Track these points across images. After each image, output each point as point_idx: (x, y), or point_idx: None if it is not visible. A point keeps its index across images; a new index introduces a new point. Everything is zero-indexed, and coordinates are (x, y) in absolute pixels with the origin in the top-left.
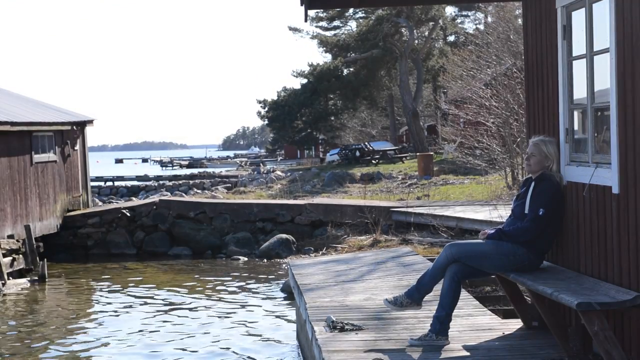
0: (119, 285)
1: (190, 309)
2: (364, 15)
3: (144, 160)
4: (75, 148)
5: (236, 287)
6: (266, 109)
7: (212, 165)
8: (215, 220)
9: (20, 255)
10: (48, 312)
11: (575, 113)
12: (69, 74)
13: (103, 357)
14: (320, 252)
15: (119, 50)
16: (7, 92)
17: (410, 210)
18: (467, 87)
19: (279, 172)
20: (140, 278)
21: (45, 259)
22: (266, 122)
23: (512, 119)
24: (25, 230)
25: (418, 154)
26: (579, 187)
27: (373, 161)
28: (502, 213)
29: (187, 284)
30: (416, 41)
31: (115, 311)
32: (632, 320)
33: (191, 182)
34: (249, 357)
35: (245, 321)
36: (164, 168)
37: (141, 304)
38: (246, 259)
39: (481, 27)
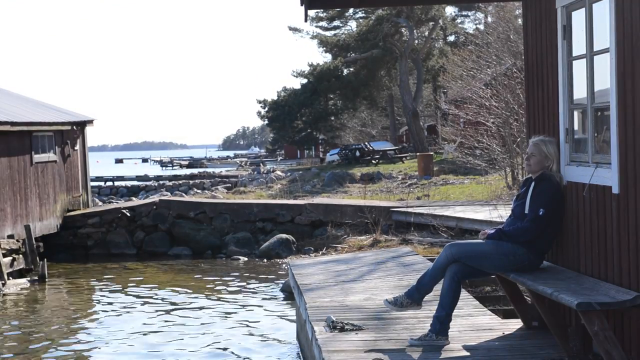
0: (119, 285)
1: (190, 309)
2: (364, 15)
3: (144, 160)
4: (75, 148)
5: (236, 287)
6: (266, 109)
7: (212, 165)
8: (215, 220)
9: (20, 255)
10: (48, 312)
11: (575, 113)
12: (69, 74)
13: (103, 357)
14: (320, 252)
15: (119, 50)
16: (7, 92)
17: (410, 210)
18: (467, 87)
19: (279, 172)
20: (140, 278)
21: (45, 259)
22: (266, 122)
23: (512, 119)
24: (25, 230)
25: (418, 154)
26: (579, 187)
27: (373, 161)
28: (502, 213)
29: (187, 284)
30: (416, 41)
31: (116, 311)
32: (632, 320)
33: (191, 182)
34: (249, 357)
35: (246, 321)
36: (164, 168)
37: (141, 304)
38: (246, 259)
39: (481, 27)
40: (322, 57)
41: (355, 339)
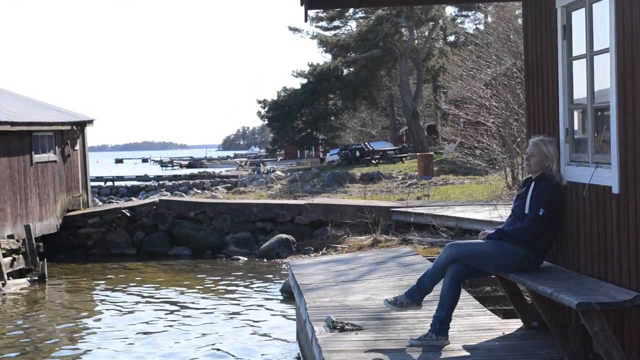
0: (119, 285)
1: (190, 309)
2: (364, 15)
3: (144, 160)
4: (75, 148)
5: (236, 287)
6: (266, 109)
7: (212, 165)
8: (215, 220)
9: (20, 255)
10: (48, 312)
11: (575, 113)
12: (69, 74)
13: (104, 357)
14: (320, 252)
15: (119, 50)
16: (7, 92)
17: (410, 210)
18: (467, 87)
19: (279, 172)
20: (140, 278)
21: (45, 259)
22: (266, 122)
23: (512, 119)
24: (25, 230)
25: (418, 154)
26: (579, 187)
27: (373, 161)
28: (502, 213)
29: (187, 284)
30: (416, 41)
31: (116, 311)
32: (632, 320)
33: (191, 182)
34: (249, 357)
35: (246, 321)
36: (164, 168)
37: (141, 304)
38: (246, 259)
39: (481, 27)
40: (322, 57)
41: (355, 339)
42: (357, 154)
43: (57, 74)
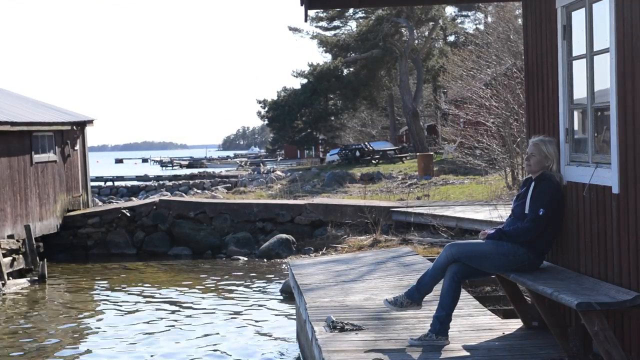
0: (119, 285)
1: (190, 309)
2: (364, 15)
3: (144, 160)
4: (75, 148)
5: (236, 287)
6: (266, 109)
7: (212, 165)
8: (215, 220)
9: (20, 255)
10: (48, 312)
11: (575, 113)
12: (69, 74)
13: (104, 357)
14: (320, 252)
15: (119, 50)
16: (7, 92)
17: (410, 210)
18: (467, 87)
19: (279, 172)
20: (141, 278)
21: (45, 259)
22: (266, 122)
23: (512, 119)
24: (25, 230)
25: (418, 154)
26: (579, 187)
27: (373, 161)
28: (502, 213)
29: (187, 284)
30: (416, 41)
31: (116, 311)
32: (632, 320)
33: (191, 182)
34: (249, 357)
35: (246, 321)
36: (164, 168)
37: (141, 304)
38: (246, 259)
39: (481, 27)
40: (322, 57)
41: (355, 339)
42: (357, 154)
43: (57, 74)
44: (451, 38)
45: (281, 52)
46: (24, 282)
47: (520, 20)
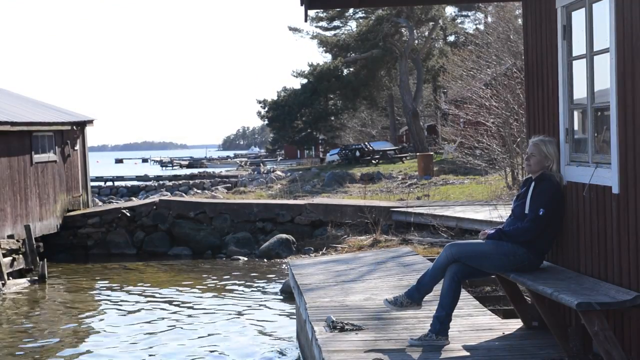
0: (119, 285)
1: (190, 309)
2: (364, 15)
3: (144, 160)
4: (75, 148)
5: (236, 287)
6: (266, 109)
7: (212, 165)
8: (215, 220)
9: (20, 255)
10: (48, 312)
11: (575, 113)
12: (69, 74)
13: (104, 356)
14: (320, 252)
15: (119, 50)
16: (7, 92)
17: (410, 210)
18: (467, 87)
19: (279, 172)
20: (141, 278)
21: (45, 259)
22: (266, 122)
23: (512, 119)
24: (25, 230)
25: (418, 154)
26: (579, 187)
27: (373, 161)
28: (502, 213)
29: (187, 284)
30: (416, 41)
31: (116, 311)
32: (632, 320)
33: (191, 182)
34: (248, 357)
35: (245, 321)
36: (164, 168)
37: (141, 304)
38: (246, 259)
39: (481, 27)
40: (322, 57)
41: (355, 339)
42: (357, 154)
43: (57, 74)
44: (451, 38)
45: (281, 52)
46: (24, 282)
47: (520, 20)
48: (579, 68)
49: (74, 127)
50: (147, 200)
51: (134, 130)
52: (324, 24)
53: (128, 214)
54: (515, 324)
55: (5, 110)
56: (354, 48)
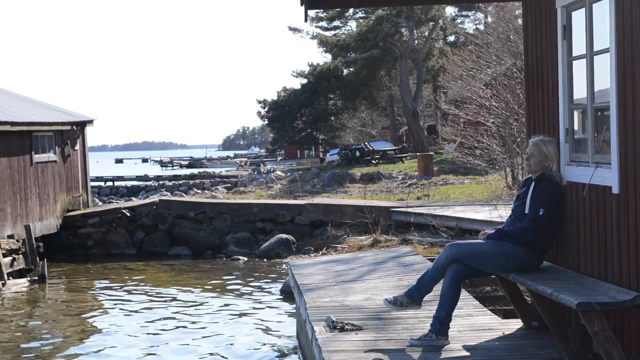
0: (119, 285)
1: (190, 309)
2: (364, 15)
3: (144, 160)
4: (75, 148)
5: (236, 287)
6: (266, 109)
7: (212, 165)
8: (215, 220)
9: (20, 255)
10: (48, 312)
11: (575, 113)
12: (69, 74)
13: (104, 356)
14: (320, 252)
15: (119, 50)
16: (7, 92)
17: (410, 210)
18: (467, 87)
19: (279, 172)
20: (141, 278)
21: (45, 259)
22: (266, 122)
23: (512, 119)
24: (25, 230)
25: (418, 154)
26: (579, 187)
27: (373, 161)
28: (502, 213)
29: (187, 284)
30: (416, 41)
31: (116, 311)
32: (632, 320)
33: (191, 182)
34: (248, 357)
35: (245, 321)
36: (164, 168)
37: (141, 304)
38: (246, 259)
39: (481, 27)
40: (322, 57)
41: (355, 339)
42: (357, 154)
43: (57, 74)
44: (451, 38)
45: (281, 52)
46: (24, 282)
47: (520, 20)
48: (579, 68)
49: (74, 127)
50: (147, 200)
51: (134, 130)
52: (324, 24)
53: (128, 214)
54: (515, 324)
55: (5, 110)
56: (354, 48)
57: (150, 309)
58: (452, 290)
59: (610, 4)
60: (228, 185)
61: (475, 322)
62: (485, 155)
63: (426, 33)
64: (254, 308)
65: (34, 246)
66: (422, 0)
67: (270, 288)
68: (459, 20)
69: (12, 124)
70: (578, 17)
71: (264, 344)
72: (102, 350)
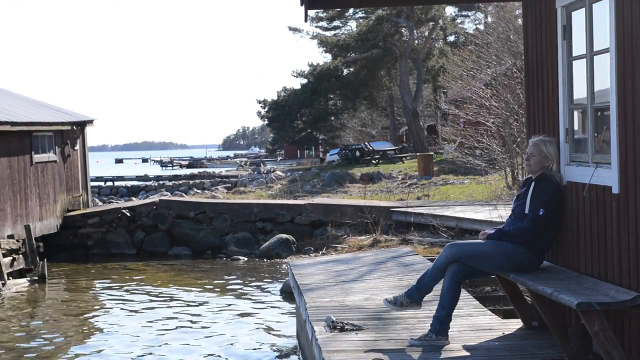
0: (119, 285)
1: (190, 309)
2: (364, 15)
3: (144, 160)
4: (75, 148)
5: (236, 287)
6: (266, 109)
7: (212, 165)
8: (215, 220)
9: (20, 255)
10: (48, 312)
11: (575, 113)
12: (69, 74)
13: (104, 357)
14: (320, 252)
15: (119, 50)
16: (7, 92)
17: (410, 210)
18: (467, 87)
19: (279, 172)
20: (141, 278)
21: (45, 259)
22: (266, 122)
23: (512, 119)
24: (25, 230)
25: (418, 154)
26: (579, 187)
27: (373, 161)
28: (502, 213)
29: (187, 284)
30: (416, 41)
31: (116, 311)
32: (632, 320)
33: (191, 182)
34: (248, 357)
35: (245, 321)
36: (164, 168)
37: (141, 304)
38: (246, 259)
39: (481, 27)
40: (322, 57)
41: (355, 339)
42: (357, 154)
43: (57, 74)
44: (451, 38)
45: (281, 52)
46: (24, 282)
47: (520, 20)
48: (579, 68)
49: (74, 127)
50: (147, 200)
51: (134, 130)
52: (324, 24)
53: (128, 214)
54: (515, 324)
55: (5, 110)
56: (354, 48)
57: (150, 309)
58: (452, 290)
59: (610, 4)
60: (228, 185)
61: (475, 322)
62: (485, 155)
63: (426, 33)
64: (254, 308)
65: (34, 246)
66: (422, 0)
67: (270, 288)
68: (459, 20)
69: (12, 124)
70: (578, 17)
71: (264, 344)
72: (102, 350)
